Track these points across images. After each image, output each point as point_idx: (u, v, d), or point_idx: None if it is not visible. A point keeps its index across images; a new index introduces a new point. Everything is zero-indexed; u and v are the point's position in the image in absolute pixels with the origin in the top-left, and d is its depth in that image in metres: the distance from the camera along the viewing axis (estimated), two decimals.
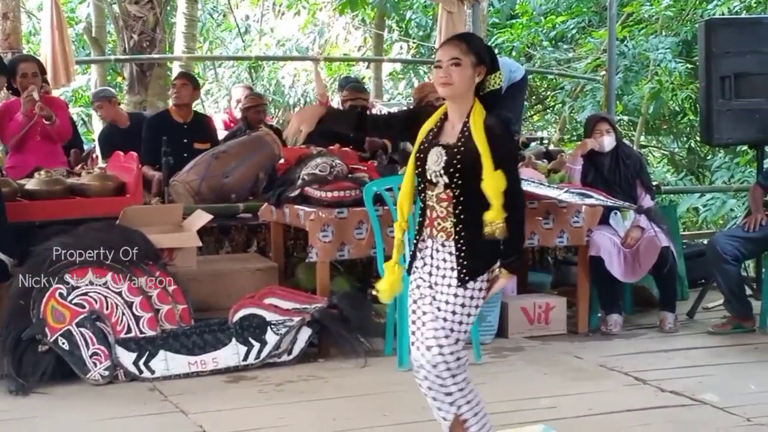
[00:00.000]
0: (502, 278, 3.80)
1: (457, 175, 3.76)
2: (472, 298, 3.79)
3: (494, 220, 3.68)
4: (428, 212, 3.86)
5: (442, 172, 3.78)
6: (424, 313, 3.84)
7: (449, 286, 3.79)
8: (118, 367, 5.49)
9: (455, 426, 3.89)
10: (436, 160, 3.80)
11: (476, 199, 3.72)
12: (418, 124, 3.93)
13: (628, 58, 13.23)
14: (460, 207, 3.78)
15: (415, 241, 3.93)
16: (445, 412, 3.87)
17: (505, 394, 5.23)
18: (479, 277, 3.77)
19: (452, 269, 3.79)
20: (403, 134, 4.14)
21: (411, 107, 4.26)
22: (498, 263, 3.80)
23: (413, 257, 3.94)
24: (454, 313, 3.79)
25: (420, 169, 3.86)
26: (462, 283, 3.77)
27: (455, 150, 3.77)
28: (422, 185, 3.87)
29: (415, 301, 3.90)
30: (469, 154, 3.73)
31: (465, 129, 3.78)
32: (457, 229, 3.78)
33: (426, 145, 3.85)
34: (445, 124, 3.87)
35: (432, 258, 3.85)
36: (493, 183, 3.68)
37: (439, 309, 3.80)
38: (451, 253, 3.79)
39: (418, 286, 3.89)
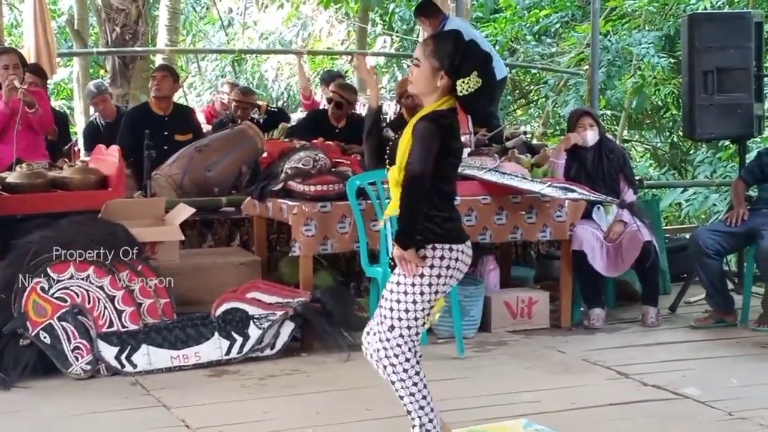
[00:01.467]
0: (394, 249, 3.81)
1: (388, 167, 3.92)
2: (398, 284, 3.84)
3: (390, 212, 3.86)
4: None
5: (389, 158, 3.95)
6: None
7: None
8: (99, 361, 5.47)
9: None
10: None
11: None
12: None
13: (611, 52, 13.26)
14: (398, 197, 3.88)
15: None
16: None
17: (487, 388, 5.25)
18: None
19: (389, 257, 3.95)
20: None
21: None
22: (424, 248, 3.81)
23: None
24: (385, 299, 3.88)
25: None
26: (391, 268, 3.90)
27: (390, 143, 3.96)
28: None
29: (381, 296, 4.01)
30: (395, 146, 3.90)
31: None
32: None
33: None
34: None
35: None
36: (392, 174, 3.85)
37: (382, 296, 3.93)
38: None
39: None
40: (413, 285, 3.82)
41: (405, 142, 3.80)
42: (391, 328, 3.84)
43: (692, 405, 5.01)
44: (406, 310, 3.83)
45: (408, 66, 15.78)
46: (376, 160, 4.15)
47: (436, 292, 3.87)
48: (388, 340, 3.84)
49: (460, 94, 3.83)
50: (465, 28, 7.76)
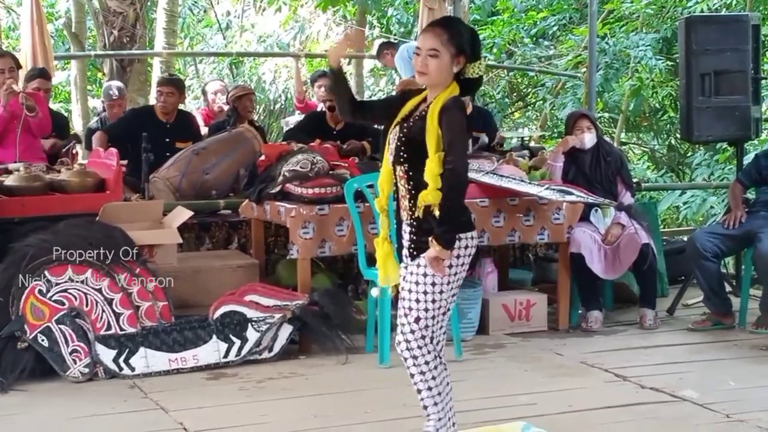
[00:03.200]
0: (430, 249, 3.71)
1: (402, 149, 3.83)
2: (425, 275, 3.80)
3: (425, 200, 3.75)
4: (398, 195, 3.93)
5: (394, 149, 3.86)
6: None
7: (406, 265, 3.87)
8: (97, 364, 5.46)
9: None
10: (393, 138, 3.89)
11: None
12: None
13: (609, 55, 13.25)
14: (411, 182, 3.83)
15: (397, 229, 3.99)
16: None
17: (485, 391, 5.25)
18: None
19: (408, 246, 3.85)
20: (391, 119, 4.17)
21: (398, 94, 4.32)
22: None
23: (399, 246, 3.97)
24: (410, 291, 3.84)
25: (387, 150, 3.92)
26: (412, 258, 3.83)
27: (405, 126, 3.85)
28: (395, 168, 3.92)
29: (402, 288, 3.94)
30: (417, 130, 3.80)
31: (425, 109, 3.84)
32: (410, 204, 3.84)
33: (394, 125, 3.91)
34: (421, 106, 3.91)
35: (405, 240, 3.92)
36: (430, 165, 3.73)
37: (402, 288, 3.87)
38: (408, 231, 3.86)
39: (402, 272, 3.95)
40: (441, 276, 3.80)
41: (433, 131, 3.73)
42: (417, 319, 3.82)
43: (690, 407, 5.01)
44: (433, 301, 3.82)
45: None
46: (351, 113, 4.15)
47: (459, 280, 3.88)
48: (413, 332, 3.82)
49: (472, 76, 3.87)
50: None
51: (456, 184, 3.72)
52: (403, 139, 3.83)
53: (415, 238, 3.83)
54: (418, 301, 3.82)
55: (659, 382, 5.39)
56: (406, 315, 3.84)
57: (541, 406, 4.98)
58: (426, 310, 3.82)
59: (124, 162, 7.11)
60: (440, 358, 3.91)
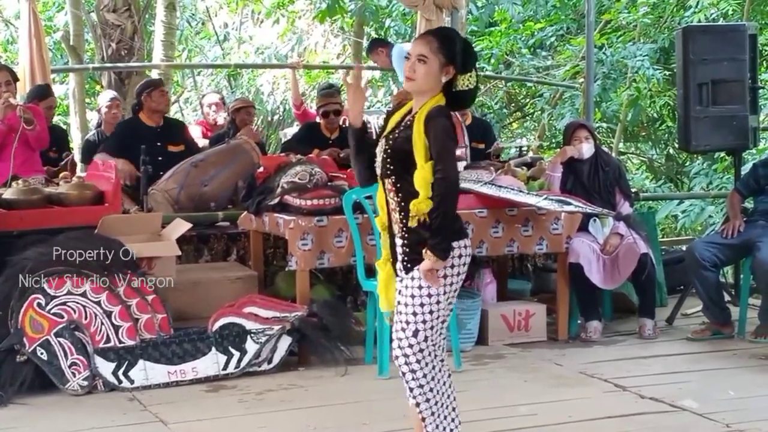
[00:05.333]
0: (425, 261, 3.71)
1: (389, 161, 3.82)
2: (420, 287, 3.80)
3: (418, 210, 3.73)
4: (389, 208, 3.92)
5: (381, 162, 3.86)
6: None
7: (401, 278, 3.86)
8: (97, 377, 5.46)
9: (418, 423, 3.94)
10: (379, 151, 3.88)
11: (413, 186, 3.76)
12: None
13: (607, 65, 13.26)
14: (400, 194, 3.82)
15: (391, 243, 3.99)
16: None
17: (485, 402, 5.24)
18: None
19: (401, 260, 3.85)
20: None
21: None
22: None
23: (393, 260, 3.97)
24: (406, 305, 3.83)
25: (376, 164, 3.92)
26: (407, 271, 3.82)
27: (390, 138, 3.84)
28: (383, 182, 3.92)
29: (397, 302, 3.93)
30: (402, 141, 3.79)
31: (410, 119, 3.83)
32: (401, 216, 3.83)
33: (380, 139, 3.91)
34: (406, 117, 3.90)
35: (398, 253, 3.90)
36: (421, 174, 3.72)
37: (398, 303, 3.86)
38: (401, 243, 3.86)
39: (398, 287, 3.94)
40: (420, 288, 3.80)
41: (420, 141, 3.72)
42: (416, 332, 3.81)
43: (690, 417, 5.01)
44: (431, 312, 3.80)
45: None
46: (367, 178, 4.05)
47: (455, 290, 3.87)
48: (410, 346, 3.81)
49: (460, 89, 3.85)
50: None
51: (448, 194, 3.71)
52: (389, 151, 3.83)
53: (408, 250, 3.82)
54: (415, 314, 3.81)
55: (659, 392, 5.39)
56: (403, 329, 3.83)
57: (541, 417, 4.98)
58: (424, 322, 3.81)
59: None
60: (440, 364, 3.90)
